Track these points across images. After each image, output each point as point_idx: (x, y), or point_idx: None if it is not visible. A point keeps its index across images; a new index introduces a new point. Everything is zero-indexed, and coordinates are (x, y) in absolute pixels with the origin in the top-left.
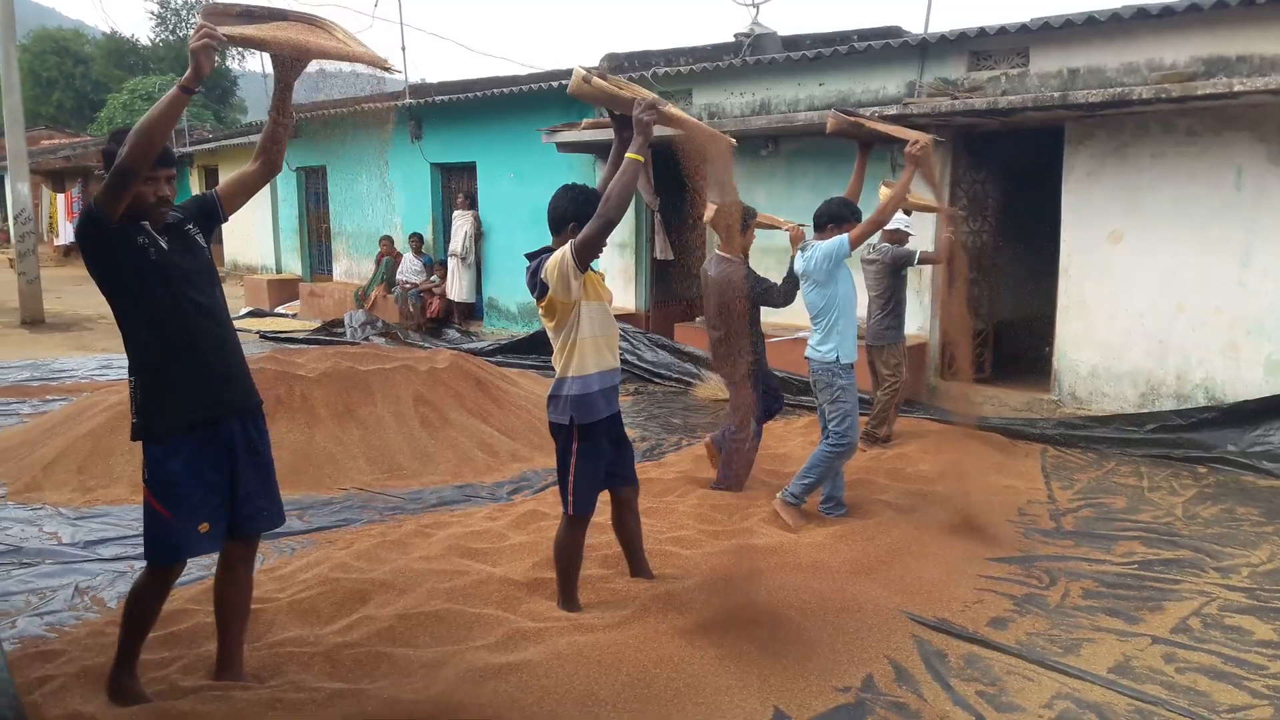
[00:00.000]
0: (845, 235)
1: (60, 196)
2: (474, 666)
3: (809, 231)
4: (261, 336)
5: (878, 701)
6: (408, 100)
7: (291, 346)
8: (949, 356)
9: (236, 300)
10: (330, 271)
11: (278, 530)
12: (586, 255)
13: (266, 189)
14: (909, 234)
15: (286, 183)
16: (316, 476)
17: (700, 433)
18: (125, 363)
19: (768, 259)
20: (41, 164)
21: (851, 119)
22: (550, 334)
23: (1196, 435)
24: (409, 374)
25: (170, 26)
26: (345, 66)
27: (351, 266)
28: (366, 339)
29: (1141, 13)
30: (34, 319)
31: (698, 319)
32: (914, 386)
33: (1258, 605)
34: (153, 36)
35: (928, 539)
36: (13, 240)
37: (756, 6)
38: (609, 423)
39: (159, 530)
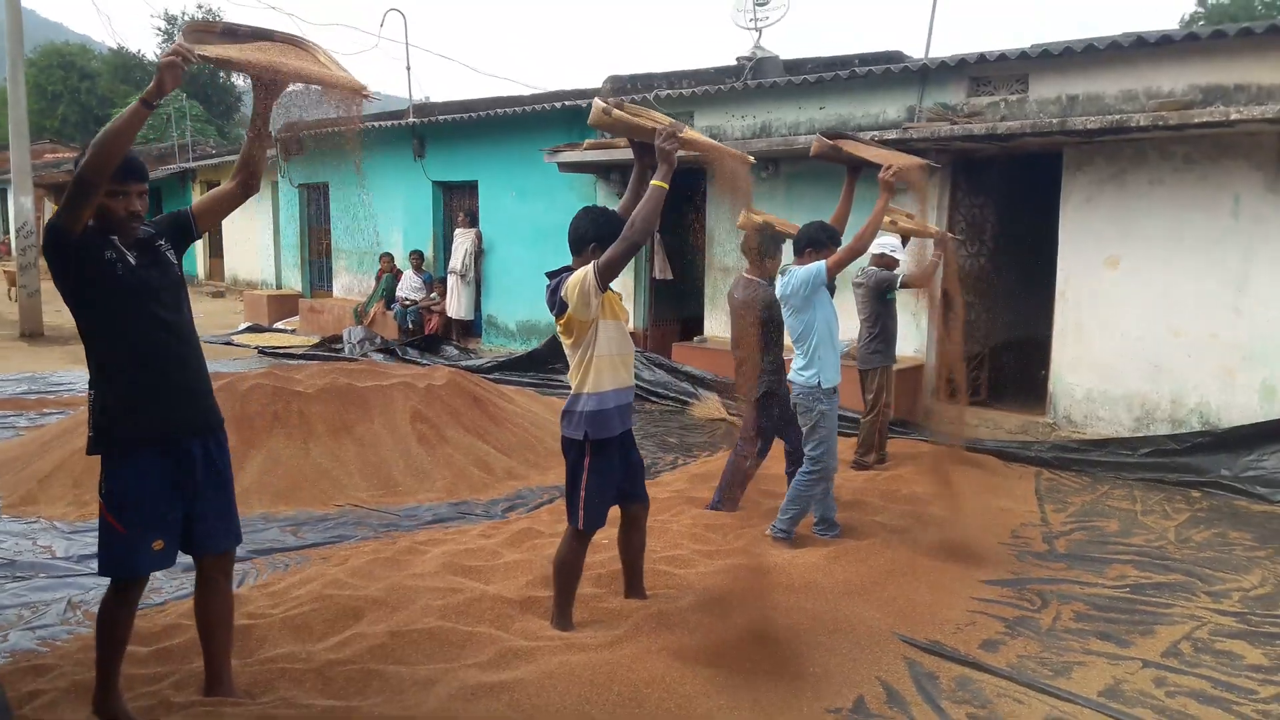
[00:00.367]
0: (823, 262)
1: None
2: (466, 684)
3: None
4: (260, 352)
5: None
6: (411, 119)
7: (290, 362)
8: (946, 379)
9: (236, 315)
10: (330, 287)
11: (272, 546)
12: (609, 275)
13: (269, 205)
14: (897, 259)
15: (288, 198)
16: (312, 492)
17: (696, 452)
18: None
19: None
20: (45, 178)
21: (833, 143)
22: (567, 351)
23: (1190, 460)
24: (407, 391)
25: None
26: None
27: (351, 283)
28: (365, 355)
29: (1140, 41)
30: (33, 332)
31: (695, 339)
32: (910, 408)
33: (1249, 630)
34: (159, 51)
35: (921, 560)
36: (14, 253)
37: (759, 30)
38: (622, 439)
39: (112, 544)
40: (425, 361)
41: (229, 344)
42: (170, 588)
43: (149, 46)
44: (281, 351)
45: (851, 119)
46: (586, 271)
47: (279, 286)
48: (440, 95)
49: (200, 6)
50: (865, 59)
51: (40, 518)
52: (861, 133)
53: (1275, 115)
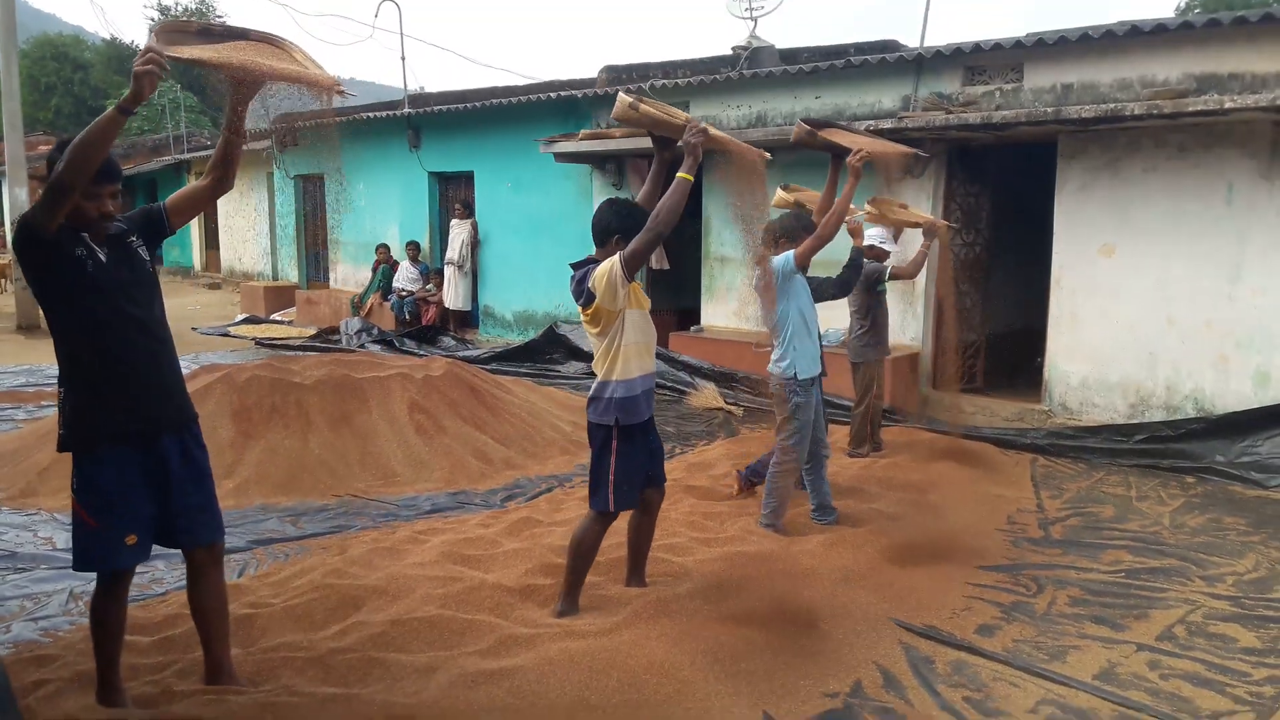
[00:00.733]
0: (792, 251)
1: None
2: (466, 672)
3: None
4: (257, 343)
5: (865, 707)
6: (406, 110)
7: (287, 353)
8: (942, 366)
9: (232, 307)
10: (326, 279)
11: (272, 537)
12: (635, 265)
13: (265, 196)
14: (886, 250)
15: (285, 190)
16: (311, 483)
17: (694, 441)
18: None
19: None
20: (39, 169)
21: (810, 129)
22: (594, 340)
23: (1185, 446)
24: (404, 381)
25: None
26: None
27: (348, 274)
28: (362, 346)
29: (1135, 30)
30: (30, 324)
31: (692, 328)
32: (906, 397)
33: (1242, 613)
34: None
35: (918, 547)
36: (9, 245)
37: (754, 20)
38: (646, 424)
39: (85, 539)
40: (422, 352)
41: (226, 335)
42: (172, 578)
43: (142, 37)
44: (279, 343)
45: (847, 108)
46: (613, 262)
47: (276, 278)
48: (435, 85)
49: None
50: (860, 48)
51: (40, 510)
52: (856, 122)
53: (1269, 104)
